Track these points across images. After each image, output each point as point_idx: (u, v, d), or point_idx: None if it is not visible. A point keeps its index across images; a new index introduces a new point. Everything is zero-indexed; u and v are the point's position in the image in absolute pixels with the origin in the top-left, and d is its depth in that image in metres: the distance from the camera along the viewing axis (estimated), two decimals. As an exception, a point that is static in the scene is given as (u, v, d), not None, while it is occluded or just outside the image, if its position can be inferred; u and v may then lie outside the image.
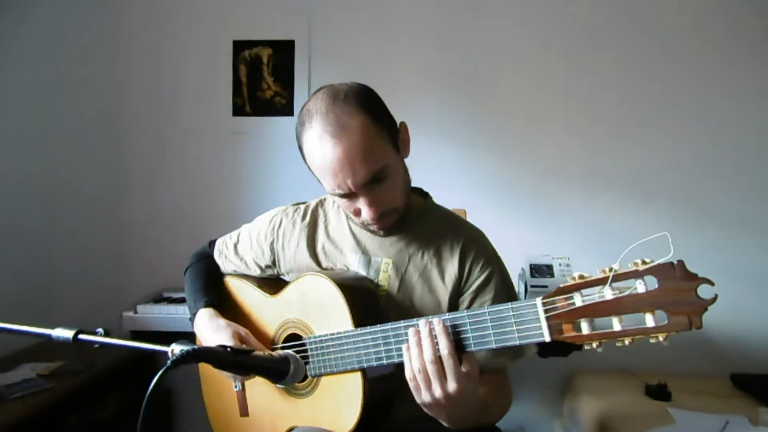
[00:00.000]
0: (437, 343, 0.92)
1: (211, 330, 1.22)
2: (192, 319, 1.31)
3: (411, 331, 0.95)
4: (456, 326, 0.94)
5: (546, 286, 1.97)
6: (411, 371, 0.94)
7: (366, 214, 1.09)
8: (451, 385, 0.90)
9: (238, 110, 2.51)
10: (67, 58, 2.46)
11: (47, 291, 2.40)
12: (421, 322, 0.95)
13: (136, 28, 2.53)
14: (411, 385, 0.94)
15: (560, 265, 2.07)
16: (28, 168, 2.33)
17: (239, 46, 2.50)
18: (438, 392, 0.91)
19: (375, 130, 1.05)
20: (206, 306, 1.28)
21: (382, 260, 1.19)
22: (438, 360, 0.91)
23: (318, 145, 1.04)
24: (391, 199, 1.11)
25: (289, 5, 2.49)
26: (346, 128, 1.02)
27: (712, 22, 2.36)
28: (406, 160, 1.18)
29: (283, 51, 2.49)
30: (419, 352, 0.93)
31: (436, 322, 0.93)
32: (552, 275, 2.04)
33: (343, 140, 1.02)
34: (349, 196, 1.08)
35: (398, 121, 1.15)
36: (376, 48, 2.47)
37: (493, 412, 1.12)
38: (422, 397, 0.93)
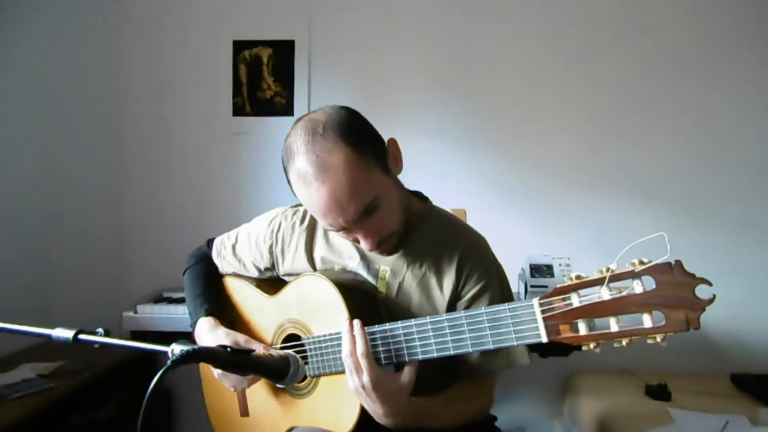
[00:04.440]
0: (357, 343, 1.01)
1: (212, 340, 1.22)
2: (192, 326, 1.32)
3: (342, 326, 1.05)
4: (409, 333, 1.00)
5: (546, 286, 1.97)
6: (342, 358, 1.04)
7: (364, 245, 1.09)
8: (365, 378, 0.99)
9: (238, 110, 2.51)
10: (67, 57, 2.46)
11: (47, 291, 2.40)
12: (345, 325, 1.03)
13: (136, 28, 2.53)
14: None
15: (560, 265, 2.07)
16: (29, 168, 2.33)
17: (239, 46, 2.50)
18: (356, 381, 1.00)
19: (359, 161, 1.01)
20: (207, 314, 1.28)
21: (380, 267, 1.19)
22: (353, 355, 1.01)
23: (303, 188, 1.03)
24: (388, 224, 1.09)
25: (289, 5, 2.50)
26: (328, 168, 0.99)
27: (712, 22, 2.36)
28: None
29: (283, 51, 2.49)
30: (343, 345, 1.03)
31: (356, 323, 1.02)
32: (552, 275, 2.04)
33: (326, 181, 0.99)
34: (345, 230, 1.07)
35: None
36: (376, 48, 2.47)
37: (448, 418, 1.11)
38: (348, 383, 1.03)
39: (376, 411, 1.01)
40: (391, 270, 1.18)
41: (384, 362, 1.02)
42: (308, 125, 1.04)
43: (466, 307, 1.15)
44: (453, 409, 1.12)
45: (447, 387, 1.15)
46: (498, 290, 1.17)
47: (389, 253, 1.16)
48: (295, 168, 1.03)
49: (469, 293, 1.15)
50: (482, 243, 1.22)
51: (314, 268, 1.25)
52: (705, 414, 1.78)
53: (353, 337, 1.01)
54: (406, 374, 1.01)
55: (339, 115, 1.05)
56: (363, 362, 0.99)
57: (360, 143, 1.03)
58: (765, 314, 2.32)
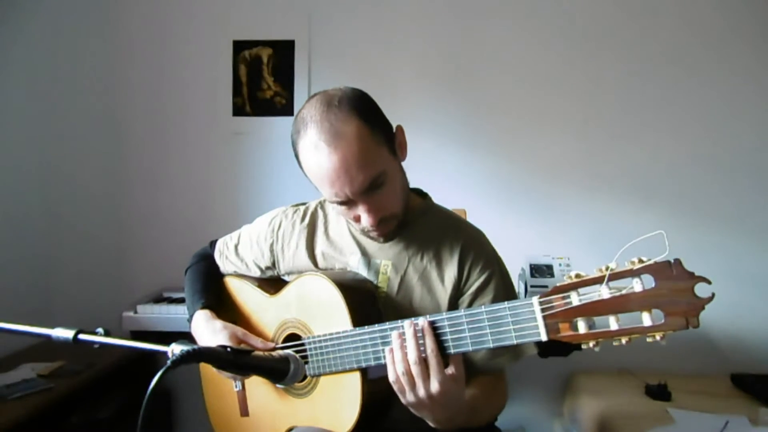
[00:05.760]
0: (422, 344, 0.93)
1: (208, 332, 1.22)
2: (189, 321, 1.32)
3: (394, 334, 0.97)
4: (443, 326, 0.95)
5: (546, 286, 1.96)
6: (395, 374, 0.95)
7: (365, 221, 1.09)
8: (434, 385, 0.92)
9: (238, 110, 2.51)
10: (67, 57, 2.46)
11: (47, 291, 2.40)
12: (406, 323, 0.96)
13: (136, 28, 2.53)
14: (395, 387, 0.96)
15: (560, 265, 2.07)
16: (29, 168, 2.34)
17: (239, 46, 2.50)
18: (422, 392, 0.92)
19: (370, 135, 1.04)
20: (203, 308, 1.28)
21: (381, 262, 1.19)
22: (422, 360, 0.93)
23: (314, 154, 1.04)
24: (390, 204, 1.11)
25: (289, 5, 2.50)
26: (341, 136, 1.01)
27: (711, 22, 2.36)
28: (405, 162, 1.17)
29: (283, 51, 2.49)
30: (403, 354, 0.94)
31: (422, 321, 0.95)
32: (552, 275, 2.04)
33: (338, 148, 1.01)
34: (348, 203, 1.08)
35: (394, 125, 1.14)
36: (376, 48, 2.47)
37: (484, 413, 1.12)
38: (407, 398, 0.95)
39: (439, 416, 0.96)
40: (393, 265, 1.18)
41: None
42: (324, 98, 1.07)
43: (471, 299, 1.15)
44: (490, 402, 1.13)
45: None
46: (501, 281, 1.17)
47: (386, 238, 1.18)
48: (308, 136, 1.04)
49: (474, 285, 1.16)
50: (482, 236, 1.23)
51: (315, 265, 1.26)
52: (705, 414, 1.78)
53: (417, 339, 0.93)
54: (459, 369, 0.95)
55: (354, 93, 1.09)
56: (433, 363, 0.92)
57: (372, 120, 1.06)
58: (765, 314, 2.31)
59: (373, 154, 1.04)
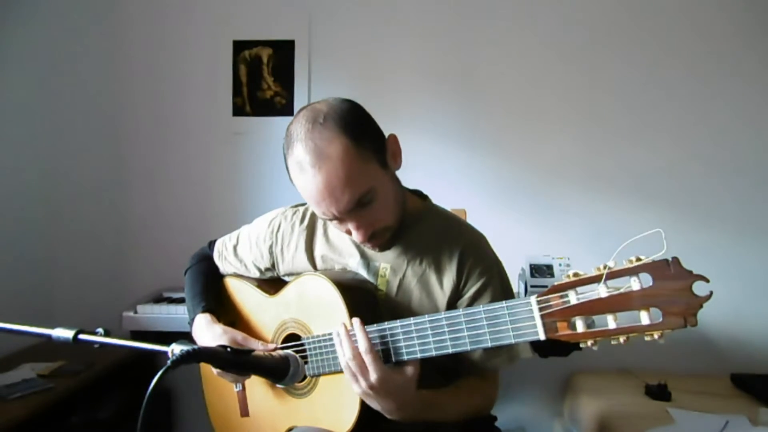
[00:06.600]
0: (355, 340, 1.01)
1: (209, 337, 1.22)
2: (190, 324, 1.32)
3: (333, 332, 1.05)
4: (391, 335, 1.02)
5: (546, 286, 1.95)
6: (341, 366, 1.03)
7: (356, 237, 1.09)
8: (373, 376, 0.98)
9: (238, 110, 2.51)
10: (67, 57, 2.46)
11: (48, 291, 2.40)
12: (340, 325, 1.03)
13: (136, 28, 2.53)
14: (345, 377, 1.03)
15: (560, 265, 2.07)
16: (29, 168, 2.33)
17: (239, 46, 2.51)
18: (363, 384, 0.99)
19: (356, 153, 1.02)
20: (204, 311, 1.28)
21: (380, 264, 1.19)
22: (358, 356, 0.99)
23: (299, 174, 1.04)
24: (381, 218, 1.10)
25: (289, 5, 2.50)
26: (324, 156, 1.01)
27: (712, 22, 2.36)
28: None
29: (283, 51, 2.49)
30: (342, 350, 1.02)
31: (354, 321, 1.02)
32: (552, 275, 2.04)
33: (322, 169, 1.00)
34: (339, 219, 1.08)
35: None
36: (376, 48, 2.47)
37: (455, 410, 1.12)
38: (353, 388, 1.01)
39: (386, 407, 1.01)
40: (391, 268, 1.18)
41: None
42: (310, 114, 1.05)
43: (468, 305, 1.15)
44: (459, 401, 1.13)
45: (445, 385, 1.15)
46: (499, 287, 1.17)
47: (381, 248, 1.17)
48: (294, 155, 1.04)
49: (471, 291, 1.15)
50: (482, 240, 1.23)
51: (315, 267, 1.26)
52: (705, 414, 1.78)
53: (351, 337, 1.01)
54: (410, 367, 1.01)
55: (342, 106, 1.07)
56: (368, 359, 0.98)
57: (359, 136, 1.04)
58: (765, 314, 2.31)
59: (358, 172, 1.03)
